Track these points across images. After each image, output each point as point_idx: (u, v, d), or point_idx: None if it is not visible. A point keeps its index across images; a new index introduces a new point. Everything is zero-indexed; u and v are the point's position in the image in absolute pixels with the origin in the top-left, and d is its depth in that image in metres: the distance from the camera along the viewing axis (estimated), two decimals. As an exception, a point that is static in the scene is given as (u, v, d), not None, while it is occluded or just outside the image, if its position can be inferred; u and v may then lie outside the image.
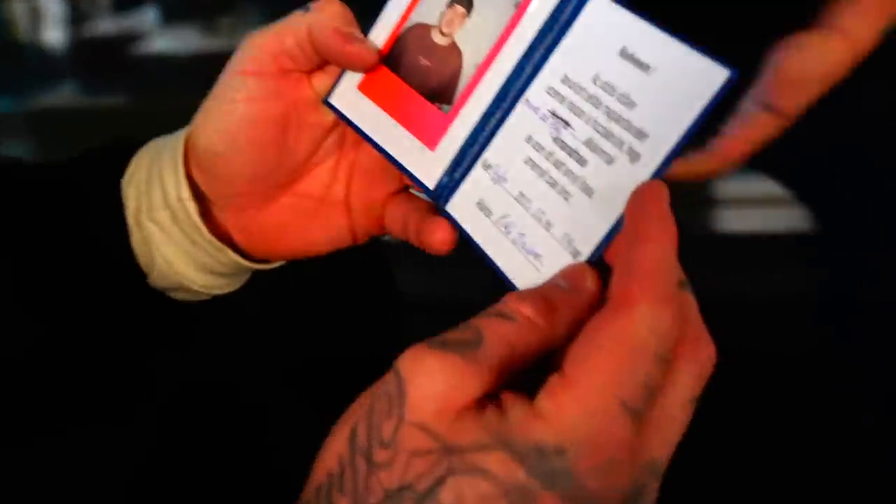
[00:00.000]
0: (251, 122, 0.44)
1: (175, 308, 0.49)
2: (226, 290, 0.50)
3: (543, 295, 0.33)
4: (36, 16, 2.05)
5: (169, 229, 0.47)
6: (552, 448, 0.28)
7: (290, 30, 0.43)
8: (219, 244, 0.47)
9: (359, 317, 0.58)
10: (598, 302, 0.33)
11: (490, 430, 0.29)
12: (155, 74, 1.97)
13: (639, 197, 0.34)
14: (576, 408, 0.29)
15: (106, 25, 2.07)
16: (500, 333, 0.31)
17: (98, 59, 2.04)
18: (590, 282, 0.34)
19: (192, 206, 0.46)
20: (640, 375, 0.29)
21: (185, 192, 0.46)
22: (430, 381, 0.29)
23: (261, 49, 0.43)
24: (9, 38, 2.04)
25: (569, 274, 0.35)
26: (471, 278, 0.47)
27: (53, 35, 2.04)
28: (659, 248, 0.31)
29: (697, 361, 0.31)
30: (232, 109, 0.44)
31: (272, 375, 0.54)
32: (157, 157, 0.47)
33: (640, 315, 0.30)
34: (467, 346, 0.31)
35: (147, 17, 2.00)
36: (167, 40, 1.94)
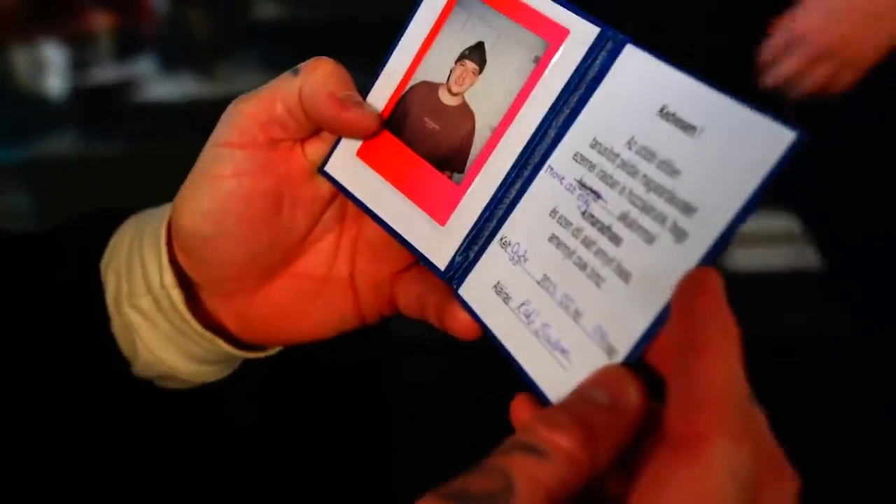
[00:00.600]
0: (241, 200, 0.38)
1: (162, 397, 0.44)
2: (216, 378, 0.44)
3: (580, 418, 0.27)
4: (37, 65, 2.03)
5: (152, 317, 0.41)
6: None
7: (280, 95, 0.38)
8: (209, 335, 0.41)
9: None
10: (644, 418, 0.27)
11: None
12: (153, 121, 1.94)
13: (690, 288, 0.27)
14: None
15: (106, 73, 2.05)
16: (534, 477, 0.25)
17: (98, 106, 2.02)
18: (633, 395, 0.28)
19: (177, 295, 0.40)
20: None
21: (169, 279, 0.40)
22: None
23: (248, 118, 0.38)
24: (10, 87, 2.02)
25: (607, 382, 0.28)
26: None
27: (54, 83, 2.02)
28: (725, 363, 0.25)
29: (782, 490, 0.25)
30: (218, 187, 0.38)
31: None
32: (138, 236, 0.42)
33: (717, 458, 0.24)
34: (495, 501, 0.25)
35: (146, 65, 1.97)
36: (165, 87, 1.91)
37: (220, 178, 0.38)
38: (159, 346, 0.42)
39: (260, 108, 0.38)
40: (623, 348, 0.30)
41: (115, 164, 1.89)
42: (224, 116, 0.39)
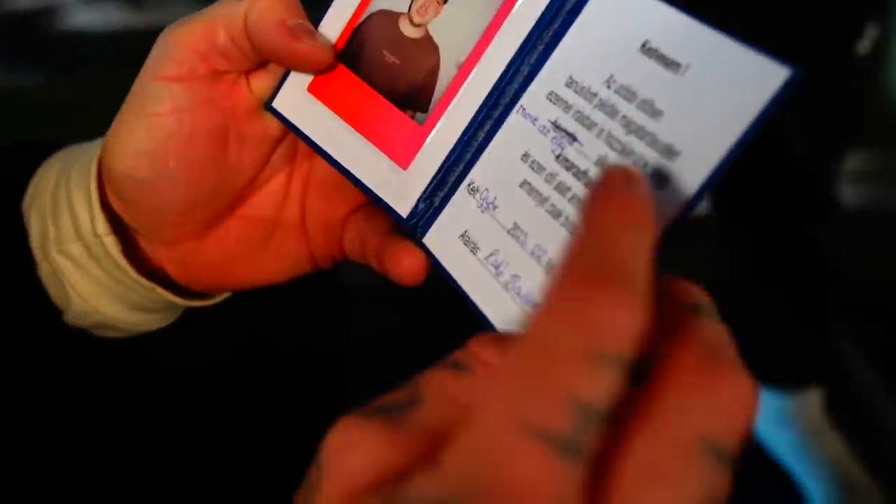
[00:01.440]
0: (181, 140, 0.35)
1: (100, 347, 0.41)
2: (157, 326, 0.41)
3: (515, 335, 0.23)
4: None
5: (84, 264, 0.38)
6: (435, 499, 0.19)
7: (223, 22, 0.34)
8: (148, 283, 0.38)
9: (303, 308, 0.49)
10: None
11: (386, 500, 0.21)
12: (76, 51, 1.85)
13: (604, 184, 0.23)
14: (467, 443, 0.20)
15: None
16: (441, 387, 0.23)
17: (16, 35, 1.92)
18: None
19: (111, 242, 0.37)
20: (554, 384, 0.19)
21: (102, 226, 0.37)
22: (342, 452, 0.22)
23: (186, 47, 0.34)
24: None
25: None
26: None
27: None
28: (594, 233, 0.21)
29: (710, 397, 0.21)
30: (156, 125, 0.35)
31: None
32: (64, 174, 0.38)
33: (551, 306, 0.20)
34: (397, 408, 0.23)
35: (66, -10, 1.88)
36: (89, 14, 1.82)
37: (157, 116, 0.34)
38: (93, 295, 0.38)
39: (200, 36, 0.34)
40: None
41: (35, 97, 1.81)
42: (158, 46, 0.35)
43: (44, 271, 0.39)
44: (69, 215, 0.37)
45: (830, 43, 0.75)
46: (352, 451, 0.22)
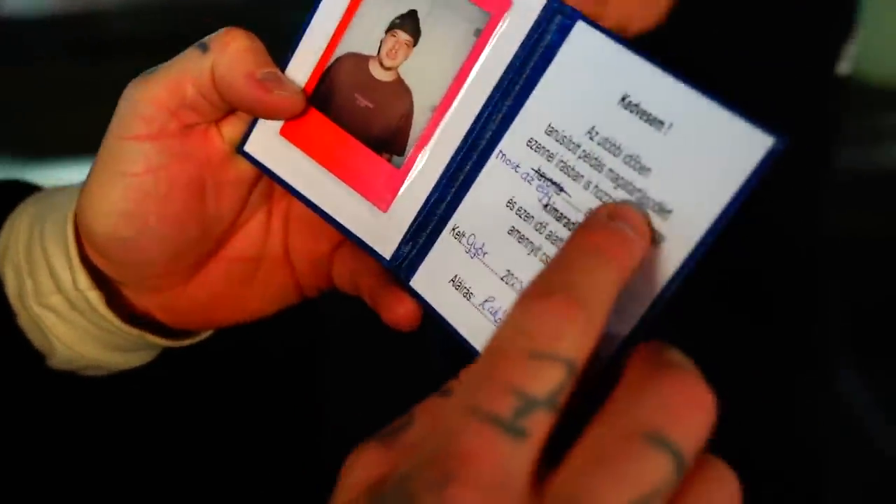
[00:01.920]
0: (160, 198, 0.35)
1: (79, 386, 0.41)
2: (141, 363, 0.41)
3: None
4: None
5: (67, 316, 0.38)
6: (398, 478, 0.23)
7: (190, 77, 0.33)
8: (135, 331, 0.38)
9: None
10: None
11: (368, 495, 0.25)
12: (11, 39, 1.80)
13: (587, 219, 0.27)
14: (430, 430, 0.24)
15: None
16: (430, 411, 0.26)
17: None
18: None
19: (94, 297, 0.37)
20: (498, 377, 0.23)
21: (84, 281, 0.36)
22: (349, 471, 0.26)
23: (154, 105, 0.34)
24: None
25: None
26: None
27: None
28: (557, 258, 0.25)
29: (658, 393, 0.23)
30: (132, 185, 0.34)
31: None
32: (37, 228, 0.38)
33: (507, 318, 0.24)
34: (395, 432, 0.26)
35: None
36: (24, 0, 1.76)
37: (133, 176, 0.34)
38: (78, 343, 0.38)
39: (167, 93, 0.34)
40: (604, 354, 0.28)
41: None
42: (124, 104, 0.34)
43: (23, 320, 0.38)
44: (47, 271, 0.37)
45: (810, 66, 0.75)
46: (354, 467, 0.26)
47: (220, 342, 0.42)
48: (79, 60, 1.69)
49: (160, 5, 1.77)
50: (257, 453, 0.50)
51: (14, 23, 1.82)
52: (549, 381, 0.23)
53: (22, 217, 0.39)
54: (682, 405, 0.23)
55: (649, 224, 0.27)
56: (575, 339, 0.23)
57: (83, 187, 0.36)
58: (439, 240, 0.33)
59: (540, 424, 0.23)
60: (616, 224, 0.26)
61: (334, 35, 0.34)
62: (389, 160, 0.34)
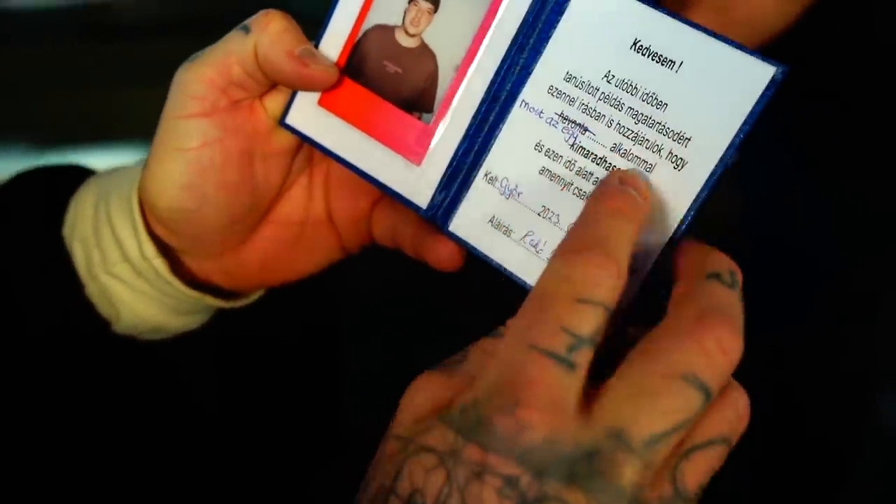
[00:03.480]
0: (215, 169, 0.37)
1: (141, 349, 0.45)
2: (199, 325, 0.44)
3: None
4: None
5: (133, 283, 0.41)
6: (469, 402, 0.27)
7: (235, 57, 0.36)
8: (196, 294, 0.41)
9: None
10: None
11: (439, 415, 0.29)
12: (23, 25, 1.82)
13: (602, 184, 0.31)
14: (491, 363, 0.28)
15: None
16: (482, 349, 0.31)
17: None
18: None
19: (160, 264, 0.40)
20: (549, 318, 0.27)
21: (150, 250, 0.40)
22: (412, 397, 0.30)
23: (205, 85, 0.37)
24: None
25: None
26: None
27: None
28: (585, 218, 0.30)
29: (698, 341, 0.27)
30: (190, 159, 0.37)
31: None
32: (103, 206, 0.41)
33: (549, 268, 0.28)
34: (451, 364, 0.31)
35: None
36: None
37: (191, 151, 0.37)
38: (144, 308, 0.41)
39: (216, 72, 0.37)
40: (643, 266, 0.31)
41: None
42: (177, 86, 0.37)
43: (91, 290, 0.41)
44: (114, 242, 0.40)
45: None
46: (417, 391, 0.30)
47: (241, 326, 0.46)
48: (94, 44, 1.71)
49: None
50: (276, 437, 0.54)
51: (29, 6, 1.84)
52: (592, 321, 0.27)
53: (86, 197, 0.42)
54: (717, 352, 0.27)
55: (648, 187, 0.31)
56: (609, 285, 0.28)
57: (145, 165, 0.38)
58: (473, 186, 0.36)
59: (585, 358, 0.27)
60: (627, 189, 0.30)
61: (361, 10, 0.37)
62: (419, 118, 0.36)
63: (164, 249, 0.41)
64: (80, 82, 1.66)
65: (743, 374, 0.29)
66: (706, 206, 0.31)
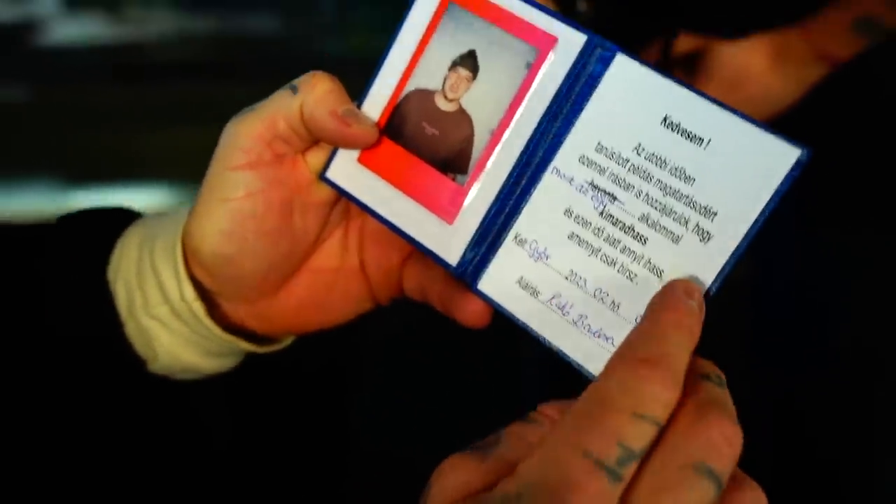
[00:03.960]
0: (257, 218, 0.39)
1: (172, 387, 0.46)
2: (231, 366, 0.46)
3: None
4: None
5: (171, 324, 0.42)
6: (513, 494, 0.28)
7: (282, 113, 0.38)
8: (232, 338, 0.42)
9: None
10: None
11: (475, 499, 0.29)
12: (56, 65, 1.86)
13: (666, 291, 0.32)
14: (538, 457, 0.28)
15: (2, 12, 1.95)
16: (517, 434, 0.32)
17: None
18: None
19: (199, 307, 0.41)
20: (607, 428, 0.28)
21: (190, 293, 0.41)
22: (444, 477, 0.30)
23: (253, 138, 0.38)
24: None
25: None
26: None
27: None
28: (652, 327, 0.30)
29: (704, 434, 0.29)
30: (234, 209, 0.39)
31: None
32: (147, 250, 0.42)
33: (612, 374, 0.29)
34: (486, 447, 0.31)
35: (45, 4, 1.88)
36: (69, 28, 1.83)
37: (235, 200, 0.39)
38: (179, 350, 0.43)
39: (263, 127, 0.38)
40: None
41: (16, 111, 1.82)
42: (226, 138, 0.39)
43: (130, 329, 0.43)
44: (156, 285, 0.42)
45: None
46: (450, 474, 0.30)
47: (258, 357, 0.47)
48: (120, 84, 1.75)
49: (203, 34, 1.84)
50: (285, 464, 0.55)
51: (58, 50, 1.89)
52: (644, 437, 0.28)
53: (132, 240, 0.43)
54: (721, 442, 0.28)
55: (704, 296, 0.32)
56: (667, 403, 0.29)
57: (191, 212, 0.40)
58: (503, 246, 0.37)
59: (631, 471, 0.28)
60: (690, 303, 0.31)
61: (404, 75, 0.39)
62: (454, 179, 0.38)
63: (203, 294, 0.42)
64: (106, 122, 1.70)
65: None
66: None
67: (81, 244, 0.45)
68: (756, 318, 0.97)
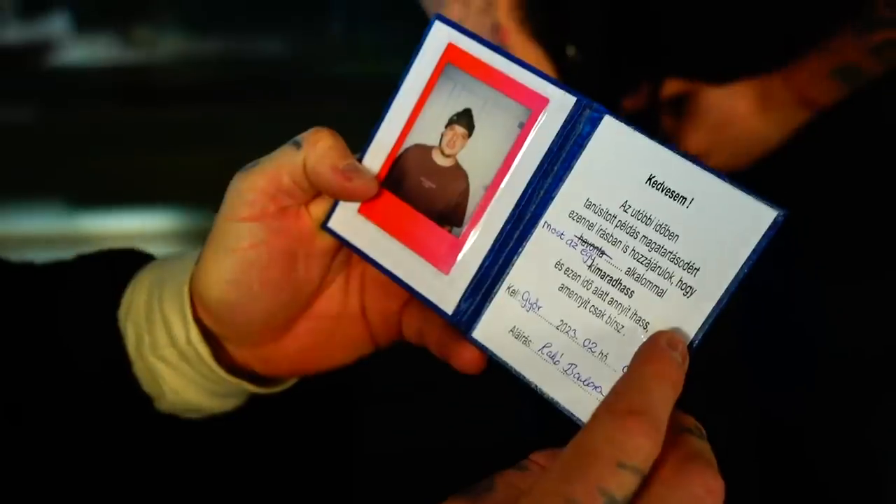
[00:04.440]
0: (261, 267, 0.41)
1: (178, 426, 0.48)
2: (235, 406, 0.48)
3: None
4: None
5: (177, 366, 0.44)
6: None
7: (286, 169, 0.40)
8: (235, 380, 0.44)
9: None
10: None
11: None
12: (67, 87, 1.88)
13: (650, 343, 0.34)
14: (524, 501, 0.30)
15: (12, 34, 1.97)
16: (509, 481, 0.33)
17: (6, 71, 1.95)
18: None
19: (204, 350, 0.43)
20: (591, 477, 0.29)
21: (196, 336, 0.43)
22: None
23: (257, 192, 0.40)
24: None
25: None
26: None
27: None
28: (636, 379, 0.32)
29: (686, 487, 0.30)
30: (239, 258, 0.41)
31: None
32: (156, 293, 0.44)
33: (597, 424, 0.30)
34: (479, 493, 0.32)
35: (57, 25, 1.91)
36: (80, 51, 1.85)
37: (240, 250, 0.41)
38: (186, 390, 0.45)
39: (267, 181, 0.40)
40: None
41: (27, 133, 1.84)
42: (232, 191, 0.41)
43: (138, 369, 0.45)
44: (163, 327, 0.43)
45: None
46: None
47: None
48: (136, 107, 1.77)
49: (213, 57, 1.86)
50: (289, 483, 0.57)
51: (68, 72, 1.91)
52: (627, 486, 0.29)
53: (142, 282, 0.45)
54: (704, 494, 0.30)
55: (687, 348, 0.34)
56: (649, 453, 0.30)
57: (198, 260, 0.42)
58: (496, 297, 0.38)
59: None
60: (674, 355, 0.33)
61: (402, 131, 0.41)
62: (450, 231, 0.40)
63: (209, 337, 0.44)
64: (115, 144, 1.72)
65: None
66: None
67: (95, 285, 0.46)
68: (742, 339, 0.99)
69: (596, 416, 0.31)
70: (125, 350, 0.45)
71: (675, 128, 0.86)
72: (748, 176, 0.82)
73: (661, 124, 0.87)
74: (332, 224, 0.42)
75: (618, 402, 0.31)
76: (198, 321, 0.44)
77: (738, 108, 0.82)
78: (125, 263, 0.47)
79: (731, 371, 0.93)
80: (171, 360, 0.44)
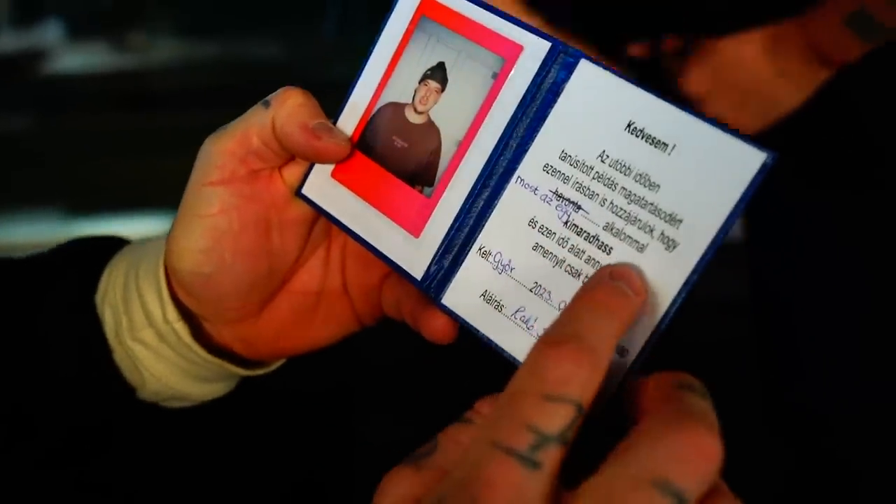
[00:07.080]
0: (233, 235, 0.39)
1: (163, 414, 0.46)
2: (222, 394, 0.46)
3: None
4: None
5: (156, 348, 0.42)
6: (435, 500, 0.27)
7: (254, 129, 0.38)
8: (217, 360, 0.42)
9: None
10: None
11: None
12: (61, 94, 1.88)
13: (592, 278, 0.32)
14: (461, 458, 0.27)
15: (5, 42, 1.97)
16: (453, 438, 0.31)
17: (0, 78, 1.95)
18: None
19: (181, 328, 0.41)
20: (516, 416, 0.27)
21: (172, 314, 0.41)
22: (386, 495, 0.30)
23: (226, 155, 0.39)
24: None
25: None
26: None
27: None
28: (566, 312, 0.29)
29: (672, 446, 0.26)
30: (209, 225, 0.39)
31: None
32: (132, 273, 0.43)
33: (525, 361, 0.28)
34: (422, 456, 0.30)
35: (51, 33, 1.90)
36: (74, 58, 1.85)
37: (210, 217, 0.39)
38: (167, 374, 0.43)
39: (236, 143, 0.39)
40: (634, 348, 0.31)
41: (21, 140, 1.84)
42: (201, 156, 0.39)
43: (118, 356, 0.43)
44: (140, 307, 0.42)
45: None
46: (390, 489, 0.29)
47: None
48: (130, 113, 1.77)
49: (207, 61, 1.85)
50: (290, 479, 0.55)
51: (62, 79, 1.91)
52: (560, 419, 0.27)
53: (119, 265, 0.44)
54: (693, 457, 0.26)
55: (644, 281, 0.31)
56: (582, 382, 0.27)
57: (169, 233, 0.40)
58: (467, 259, 0.36)
59: (552, 456, 0.26)
60: (617, 283, 0.30)
61: (377, 89, 0.39)
62: (421, 191, 0.38)
63: (187, 316, 0.42)
64: (111, 150, 1.71)
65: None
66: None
67: (71, 271, 0.45)
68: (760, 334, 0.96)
69: (528, 354, 0.28)
70: (104, 337, 0.43)
71: (677, 68, 0.82)
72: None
73: (663, 66, 0.83)
74: (305, 190, 0.41)
75: (545, 335, 0.28)
76: (174, 299, 0.42)
77: (745, 52, 0.77)
78: (102, 248, 0.46)
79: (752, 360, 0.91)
80: (150, 342, 0.42)
